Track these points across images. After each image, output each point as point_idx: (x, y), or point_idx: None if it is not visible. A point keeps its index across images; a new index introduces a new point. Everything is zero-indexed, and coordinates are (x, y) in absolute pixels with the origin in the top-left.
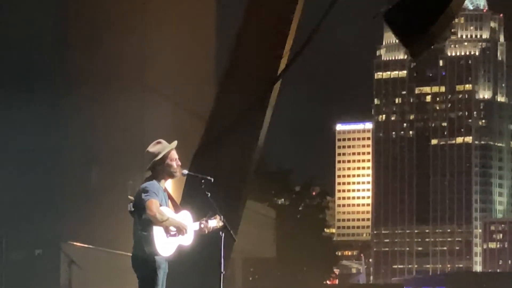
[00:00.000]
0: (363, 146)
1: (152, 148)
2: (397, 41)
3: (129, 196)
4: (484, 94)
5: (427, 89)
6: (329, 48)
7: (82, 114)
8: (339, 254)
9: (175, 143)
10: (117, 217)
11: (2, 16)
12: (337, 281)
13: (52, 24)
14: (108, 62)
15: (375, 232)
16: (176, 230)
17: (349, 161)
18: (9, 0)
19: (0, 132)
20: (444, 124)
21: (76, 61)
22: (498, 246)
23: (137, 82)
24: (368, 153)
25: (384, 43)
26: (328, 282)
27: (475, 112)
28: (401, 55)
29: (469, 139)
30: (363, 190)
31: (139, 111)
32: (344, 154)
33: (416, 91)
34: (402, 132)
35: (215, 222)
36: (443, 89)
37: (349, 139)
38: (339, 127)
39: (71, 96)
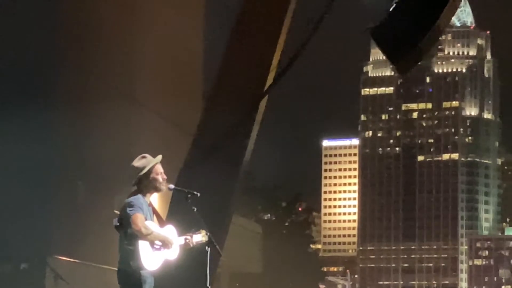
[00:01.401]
0: (350, 162)
1: (137, 162)
2: (384, 57)
3: (115, 211)
4: (471, 111)
5: (413, 106)
6: (316, 64)
7: (69, 128)
8: (325, 269)
9: (159, 157)
10: (104, 231)
11: None
12: None
13: (42, 39)
14: (96, 77)
15: (361, 248)
16: (161, 244)
17: (335, 177)
18: None
19: None
20: (431, 140)
21: (63, 77)
22: (483, 262)
23: (124, 97)
24: (355, 169)
25: (371, 60)
26: None
27: (461, 129)
28: (388, 72)
29: (455, 155)
30: (349, 206)
31: (126, 126)
32: (330, 170)
33: (403, 108)
34: (388, 149)
35: (200, 237)
36: (429, 105)
37: (335, 155)
38: (326, 143)
39: (58, 111)
